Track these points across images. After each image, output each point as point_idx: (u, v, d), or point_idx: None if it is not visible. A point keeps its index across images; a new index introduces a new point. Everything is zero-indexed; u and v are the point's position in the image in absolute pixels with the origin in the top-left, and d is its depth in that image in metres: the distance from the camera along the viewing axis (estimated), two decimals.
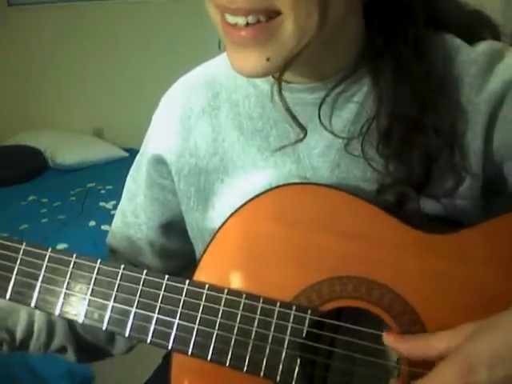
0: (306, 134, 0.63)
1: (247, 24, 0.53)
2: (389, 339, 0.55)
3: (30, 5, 3.15)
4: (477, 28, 0.65)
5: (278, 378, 0.58)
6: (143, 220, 0.76)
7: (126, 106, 3.07)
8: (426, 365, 0.51)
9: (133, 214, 0.77)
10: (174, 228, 0.76)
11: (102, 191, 2.58)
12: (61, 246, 1.97)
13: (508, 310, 0.49)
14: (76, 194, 2.57)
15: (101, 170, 2.83)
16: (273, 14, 0.52)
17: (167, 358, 0.86)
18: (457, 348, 0.49)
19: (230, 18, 0.54)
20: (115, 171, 2.70)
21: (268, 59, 0.54)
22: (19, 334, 0.71)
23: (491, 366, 0.47)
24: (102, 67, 3.07)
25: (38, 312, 0.71)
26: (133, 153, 2.87)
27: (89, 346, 0.76)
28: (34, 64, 3.22)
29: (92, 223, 2.25)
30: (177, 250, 0.78)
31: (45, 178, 2.84)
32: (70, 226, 2.19)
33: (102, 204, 2.44)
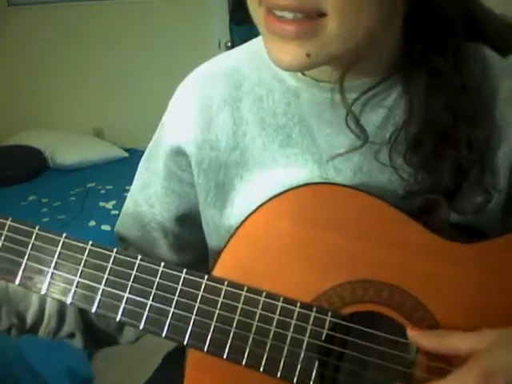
0: (366, 140, 0.62)
1: (294, 18, 0.52)
2: (412, 334, 0.55)
3: (30, 5, 3.15)
4: None
5: (295, 380, 0.57)
6: (158, 210, 0.75)
7: (126, 106, 3.08)
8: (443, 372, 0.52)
9: (147, 204, 0.75)
10: (189, 220, 0.75)
11: (102, 191, 2.58)
12: None
13: None
14: (76, 194, 2.57)
15: (101, 170, 2.83)
16: (320, 15, 0.52)
17: (167, 359, 0.87)
18: (479, 353, 0.50)
19: (277, 12, 0.53)
20: (115, 171, 2.72)
21: (308, 55, 0.54)
22: (30, 318, 0.70)
23: (509, 376, 0.47)
24: (102, 67, 3.07)
25: (49, 299, 0.71)
26: (133, 153, 2.88)
27: (98, 333, 0.75)
28: (33, 64, 3.22)
29: (92, 223, 2.25)
30: (190, 242, 0.77)
31: (45, 178, 2.84)
32: (69, 226, 2.20)
33: (101, 204, 2.44)
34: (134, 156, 2.64)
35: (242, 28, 2.82)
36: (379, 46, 0.60)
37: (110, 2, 3.00)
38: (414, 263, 0.57)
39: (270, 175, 0.66)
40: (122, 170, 2.62)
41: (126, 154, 2.98)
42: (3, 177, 2.72)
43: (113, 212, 2.32)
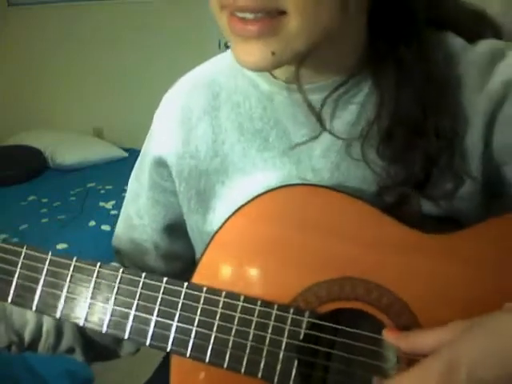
0: (324, 129, 0.63)
1: (255, 18, 0.53)
2: (389, 336, 0.55)
3: (30, 5, 3.15)
4: (479, 28, 0.64)
5: (276, 380, 0.58)
6: (147, 222, 0.76)
7: (126, 106, 3.08)
8: None
9: (137, 216, 0.77)
10: (178, 230, 0.76)
11: (102, 191, 2.59)
12: (61, 246, 1.97)
13: (498, 311, 0.49)
14: (76, 194, 2.57)
15: (101, 170, 2.84)
16: (280, 13, 0.52)
17: (167, 359, 0.86)
18: (444, 345, 0.49)
19: (239, 14, 0.54)
20: (115, 171, 2.72)
21: (273, 53, 0.54)
22: (27, 336, 0.71)
23: (471, 366, 0.47)
24: (102, 67, 3.07)
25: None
26: (133, 153, 2.88)
27: (97, 346, 0.76)
28: (33, 64, 3.23)
29: (92, 223, 2.25)
30: (181, 252, 0.78)
31: (45, 178, 2.84)
32: (70, 226, 2.19)
33: (101, 204, 2.44)
34: (134, 156, 2.60)
35: None
36: (345, 42, 0.60)
37: (110, 2, 3.00)
38: (388, 258, 0.57)
39: (250, 180, 0.67)
40: (122, 170, 2.60)
41: (125, 154, 2.98)
42: (3, 177, 2.72)
43: (113, 212, 2.33)
